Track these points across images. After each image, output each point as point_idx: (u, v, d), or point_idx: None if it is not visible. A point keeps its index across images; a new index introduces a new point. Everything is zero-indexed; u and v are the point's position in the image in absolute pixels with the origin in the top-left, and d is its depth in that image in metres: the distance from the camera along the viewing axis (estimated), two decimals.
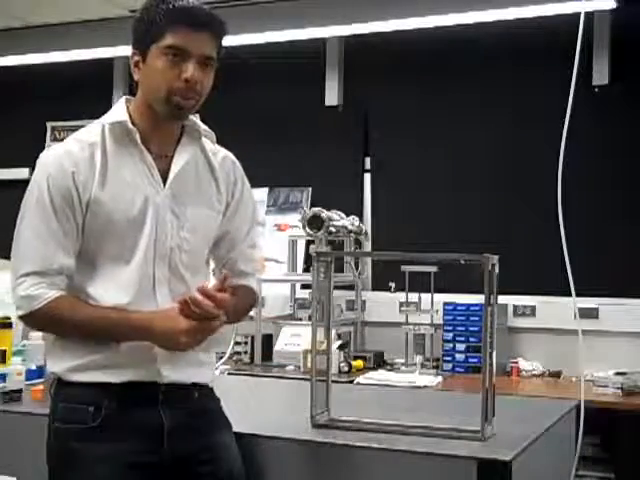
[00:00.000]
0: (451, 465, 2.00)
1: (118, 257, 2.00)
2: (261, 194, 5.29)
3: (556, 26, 4.26)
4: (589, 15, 4.06)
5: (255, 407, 2.69)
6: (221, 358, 3.89)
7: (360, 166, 5.17)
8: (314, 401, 2.23)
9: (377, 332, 4.95)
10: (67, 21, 5.30)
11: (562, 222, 2.87)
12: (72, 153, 1.99)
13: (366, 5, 4.65)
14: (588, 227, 4.38)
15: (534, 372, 4.50)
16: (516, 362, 4.54)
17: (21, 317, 2.00)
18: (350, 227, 4.77)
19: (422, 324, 4.55)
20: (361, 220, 4.91)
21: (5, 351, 2.82)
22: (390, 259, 4.54)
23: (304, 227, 4.63)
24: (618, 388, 3.95)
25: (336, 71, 5.20)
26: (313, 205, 5.00)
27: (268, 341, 4.75)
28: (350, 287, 4.92)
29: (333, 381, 2.32)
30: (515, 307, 4.67)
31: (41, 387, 2.60)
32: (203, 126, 2.14)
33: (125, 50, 5.22)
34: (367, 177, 5.16)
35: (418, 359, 4.46)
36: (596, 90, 4.58)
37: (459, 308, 4.55)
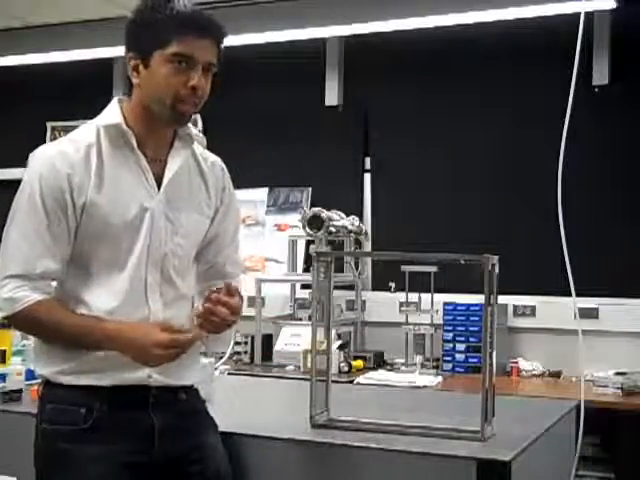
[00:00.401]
0: (451, 465, 2.00)
1: (111, 261, 1.99)
2: (261, 194, 5.29)
3: (556, 26, 4.26)
4: (589, 15, 4.06)
5: (255, 407, 2.69)
6: (221, 358, 3.89)
7: (360, 166, 5.17)
8: (313, 401, 2.23)
9: (377, 332, 4.94)
10: (67, 21, 5.29)
11: (562, 222, 2.87)
12: (67, 154, 1.97)
13: (366, 5, 4.65)
14: (588, 227, 4.38)
15: (534, 372, 4.50)
16: (516, 362, 4.54)
17: (4, 318, 2.01)
18: (350, 227, 4.77)
19: (422, 324, 4.55)
20: (361, 220, 4.91)
21: (5, 351, 2.82)
22: (390, 259, 4.54)
23: (304, 227, 4.63)
24: (618, 388, 3.95)
25: (336, 71, 5.20)
26: (313, 205, 5.00)
27: (268, 341, 4.75)
28: (350, 287, 4.92)
29: (333, 381, 2.32)
30: (515, 307, 4.67)
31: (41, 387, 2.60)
32: (194, 130, 2.14)
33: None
34: (367, 177, 5.16)
35: (418, 359, 4.46)
36: (596, 90, 4.58)
37: (459, 308, 4.55)
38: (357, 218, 4.83)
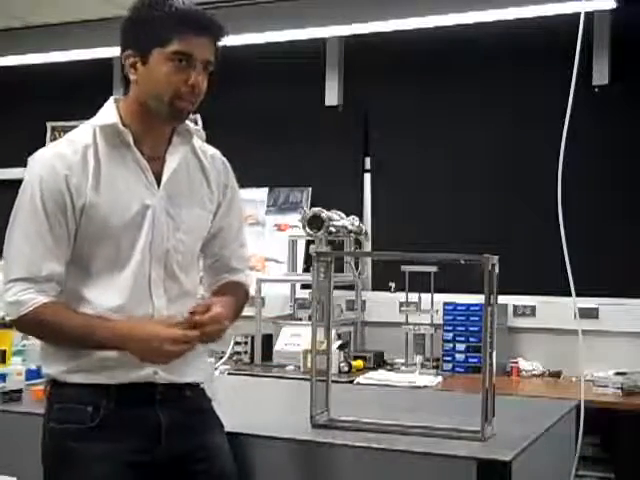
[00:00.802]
0: (451, 465, 2.00)
1: (113, 260, 1.99)
2: (261, 194, 5.29)
3: (556, 26, 4.26)
4: (589, 15, 4.06)
5: (255, 407, 2.69)
6: (221, 358, 3.89)
7: (360, 166, 5.17)
8: (314, 401, 2.23)
9: (377, 332, 4.94)
10: (67, 21, 5.29)
11: (562, 222, 2.87)
12: (65, 156, 1.97)
13: (366, 5, 4.65)
14: (588, 227, 4.38)
15: (534, 372, 4.50)
16: (516, 362, 4.54)
17: (10, 322, 2.01)
18: (350, 227, 4.77)
19: (422, 324, 4.55)
20: (361, 220, 4.91)
21: (5, 351, 2.82)
22: (390, 259, 4.54)
23: (304, 227, 4.63)
24: (618, 388, 3.95)
25: (336, 71, 5.20)
26: (313, 205, 5.00)
27: (268, 341, 4.75)
28: (350, 287, 4.92)
29: (333, 381, 2.32)
30: (515, 307, 4.67)
31: (41, 387, 2.59)
32: (193, 126, 2.14)
33: None
34: (367, 177, 5.16)
35: (418, 359, 4.46)
36: (596, 90, 4.58)
37: (459, 308, 4.55)
38: (357, 218, 4.83)
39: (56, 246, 1.96)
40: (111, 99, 2.10)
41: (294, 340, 4.64)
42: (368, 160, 5.16)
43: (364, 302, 4.97)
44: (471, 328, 4.51)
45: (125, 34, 2.04)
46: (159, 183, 2.04)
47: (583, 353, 3.07)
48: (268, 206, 5.29)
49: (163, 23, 1.97)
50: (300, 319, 4.84)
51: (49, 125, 5.84)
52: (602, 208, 4.55)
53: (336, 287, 3.99)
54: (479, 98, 4.85)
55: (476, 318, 4.45)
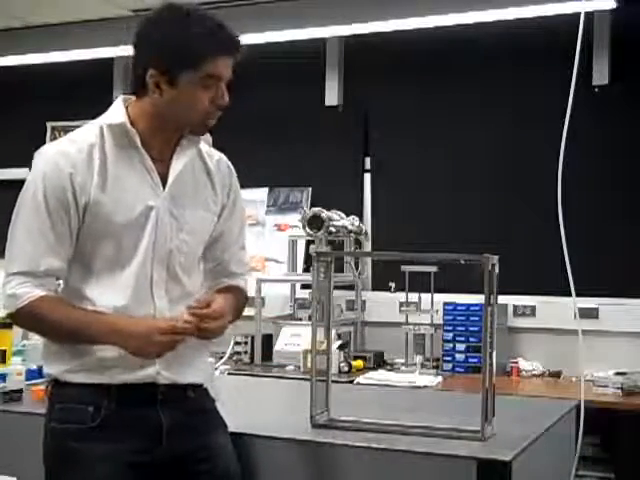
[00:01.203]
0: (451, 465, 2.00)
1: (115, 260, 2.00)
2: (261, 194, 5.29)
3: (556, 26, 4.26)
4: (589, 15, 4.06)
5: (255, 407, 2.69)
6: (221, 358, 3.89)
7: (360, 166, 5.17)
8: (314, 401, 2.23)
9: (377, 332, 4.94)
10: (67, 21, 5.30)
11: (562, 222, 2.87)
12: (69, 154, 1.97)
13: (366, 5, 4.65)
14: (588, 227, 4.38)
15: (534, 372, 4.50)
16: (516, 362, 4.54)
17: (8, 316, 2.01)
18: (350, 227, 4.77)
19: (422, 324, 4.55)
20: (361, 220, 4.91)
21: (5, 351, 2.82)
22: (390, 259, 4.54)
23: (304, 227, 4.63)
24: (618, 388, 3.95)
25: (336, 71, 5.20)
26: (313, 205, 5.00)
27: (268, 341, 4.75)
28: (350, 287, 4.92)
29: (333, 381, 2.32)
30: (515, 307, 4.67)
31: (41, 387, 2.59)
32: None
33: (125, 50, 5.26)
34: (367, 177, 5.16)
35: (418, 359, 4.46)
36: (596, 90, 4.58)
37: (459, 308, 4.55)
38: (357, 218, 4.83)
39: (57, 243, 1.96)
40: (120, 98, 2.08)
41: (294, 340, 4.64)
42: (368, 160, 5.16)
43: (364, 302, 4.97)
44: (471, 328, 4.51)
45: (147, 51, 1.98)
46: (164, 185, 2.04)
47: (583, 353, 3.07)
48: (268, 206, 5.29)
49: (194, 46, 1.94)
50: (300, 319, 4.84)
51: (49, 125, 5.85)
52: (602, 208, 4.55)
53: (336, 287, 3.99)
54: (479, 98, 4.85)
55: (476, 318, 4.45)
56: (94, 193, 1.96)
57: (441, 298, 4.57)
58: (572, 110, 2.84)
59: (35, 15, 5.27)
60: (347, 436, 2.15)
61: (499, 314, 2.41)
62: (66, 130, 5.66)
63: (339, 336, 4.56)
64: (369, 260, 5.06)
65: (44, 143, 5.85)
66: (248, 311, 4.73)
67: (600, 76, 4.57)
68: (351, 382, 4.10)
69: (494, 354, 2.16)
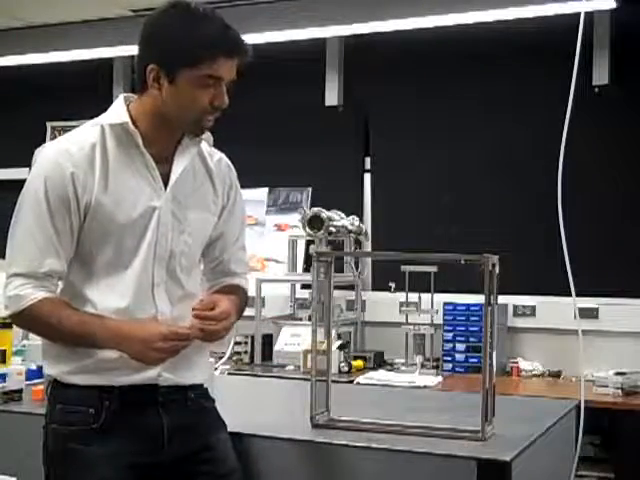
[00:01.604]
0: (451, 465, 2.00)
1: (116, 260, 1.99)
2: (261, 194, 5.29)
3: (556, 26, 4.26)
4: (589, 15, 4.06)
5: (255, 407, 2.69)
6: (221, 358, 3.89)
7: (360, 166, 5.17)
8: (314, 401, 2.23)
9: (377, 332, 4.94)
10: (67, 21, 5.30)
11: (562, 222, 2.86)
12: (71, 153, 1.96)
13: (366, 5, 4.65)
14: (588, 227, 4.38)
15: (534, 372, 4.50)
16: (516, 362, 4.54)
17: (10, 317, 2.00)
18: (350, 227, 4.77)
19: (422, 324, 4.55)
20: (361, 220, 4.91)
21: (5, 351, 2.82)
22: (390, 259, 4.54)
23: (304, 227, 4.63)
24: (618, 388, 3.95)
25: (336, 71, 5.20)
26: (313, 205, 5.00)
27: (268, 341, 4.75)
28: (350, 287, 4.92)
29: (333, 381, 2.32)
30: (515, 307, 4.67)
31: (41, 387, 2.59)
32: None
33: (125, 50, 5.26)
34: (367, 177, 5.16)
35: (418, 359, 4.46)
36: (596, 90, 4.58)
37: (459, 308, 4.55)
38: (357, 218, 4.83)
39: (59, 243, 1.95)
40: (121, 97, 2.07)
41: (294, 340, 4.64)
42: (368, 160, 5.16)
43: (364, 302, 4.97)
44: (471, 328, 4.51)
45: (149, 47, 1.99)
46: (165, 185, 2.03)
47: (583, 353, 3.06)
48: (268, 206, 5.29)
49: (194, 45, 1.94)
50: (300, 319, 4.84)
51: (49, 125, 5.85)
52: (602, 208, 4.55)
53: (336, 287, 3.99)
54: (479, 98, 4.85)
55: (476, 318, 4.45)
56: (96, 192, 1.95)
57: (441, 298, 4.57)
58: (572, 110, 2.84)
59: (35, 15, 5.27)
60: (347, 436, 2.15)
61: (499, 314, 2.41)
62: (66, 130, 5.65)
63: (339, 336, 4.56)
64: (369, 260, 5.06)
65: (44, 143, 5.86)
66: (248, 311, 4.71)
67: (600, 76, 4.57)
68: (351, 382, 4.10)
69: (494, 354, 2.16)
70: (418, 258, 3.81)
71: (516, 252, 4.23)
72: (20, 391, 2.58)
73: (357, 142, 5.16)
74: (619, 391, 3.94)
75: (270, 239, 5.23)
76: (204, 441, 2.07)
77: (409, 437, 2.13)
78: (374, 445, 2.08)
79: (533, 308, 4.66)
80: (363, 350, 4.82)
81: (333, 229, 4.64)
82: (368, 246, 4.95)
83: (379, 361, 4.66)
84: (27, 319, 1.97)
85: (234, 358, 4.59)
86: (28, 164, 5.47)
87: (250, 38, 5.12)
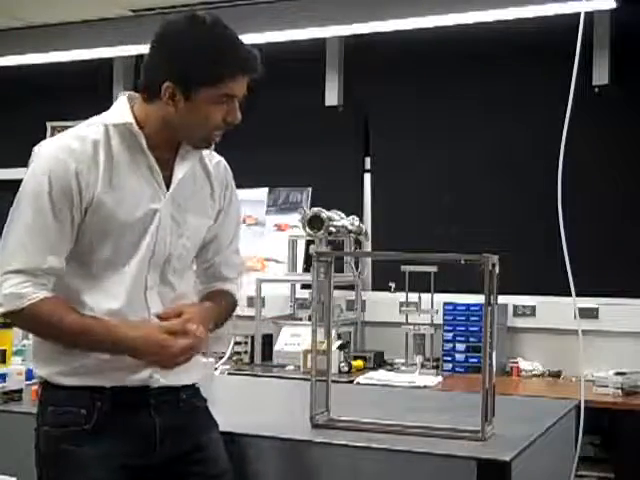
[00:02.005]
0: (451, 465, 2.00)
1: (112, 261, 1.98)
2: (261, 194, 5.29)
3: (556, 26, 4.26)
4: (589, 15, 4.06)
5: (255, 407, 2.69)
6: (221, 358, 3.89)
7: (360, 166, 5.17)
8: (314, 401, 2.23)
9: (377, 332, 4.95)
10: (67, 21, 5.30)
11: (562, 222, 2.86)
12: (74, 149, 1.93)
13: (366, 5, 4.65)
14: (588, 227, 4.38)
15: (534, 372, 4.50)
16: (516, 362, 4.54)
17: (7, 314, 1.95)
18: (350, 227, 4.77)
19: (422, 324, 4.55)
20: (361, 220, 4.91)
21: (5, 351, 2.81)
22: (390, 259, 4.54)
23: (304, 227, 4.63)
24: (618, 388, 3.95)
25: (336, 71, 5.20)
26: (313, 205, 5.00)
27: (268, 341, 4.75)
28: (350, 287, 4.92)
29: (333, 381, 2.32)
30: (515, 307, 4.67)
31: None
32: None
33: (125, 50, 5.27)
34: (367, 177, 5.16)
35: (418, 359, 4.46)
36: (596, 90, 4.58)
37: (459, 308, 4.55)
38: (357, 218, 4.83)
39: (58, 241, 1.93)
40: (124, 97, 2.04)
41: (294, 340, 4.64)
42: (368, 160, 5.16)
43: (364, 302, 4.98)
44: (471, 328, 4.51)
45: (166, 63, 1.94)
46: (167, 187, 2.02)
47: (583, 353, 3.06)
48: (268, 206, 5.29)
49: (215, 65, 1.92)
50: (300, 319, 4.84)
51: (49, 125, 5.85)
52: (602, 208, 4.55)
53: (336, 287, 3.99)
54: (479, 98, 4.85)
55: (476, 318, 4.45)
56: (99, 191, 1.93)
57: (441, 298, 4.58)
58: (572, 110, 2.84)
59: (35, 15, 5.27)
60: (347, 436, 2.15)
61: (499, 314, 2.41)
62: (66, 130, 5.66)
63: (339, 336, 4.56)
64: (369, 260, 5.06)
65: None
66: (248, 311, 4.77)
67: (600, 76, 4.57)
68: (351, 382, 4.10)
69: (494, 354, 2.16)
70: (418, 258, 3.81)
71: (516, 252, 4.23)
72: (20, 391, 2.58)
73: (357, 142, 5.16)
74: (619, 391, 3.95)
75: (270, 239, 5.24)
76: (196, 441, 2.07)
77: (409, 437, 2.13)
78: (374, 445, 2.08)
79: (533, 308, 4.66)
80: (363, 350, 4.82)
81: (333, 229, 4.64)
82: (368, 246, 4.95)
83: (379, 361, 4.67)
84: (26, 318, 1.94)
85: (234, 358, 4.59)
86: (28, 164, 5.51)
87: (250, 38, 5.13)
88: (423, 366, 4.44)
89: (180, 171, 2.04)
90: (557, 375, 4.47)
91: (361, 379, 4.20)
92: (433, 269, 4.49)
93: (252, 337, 4.70)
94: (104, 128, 1.98)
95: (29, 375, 2.71)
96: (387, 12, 4.63)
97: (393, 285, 4.57)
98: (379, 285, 4.91)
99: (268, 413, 2.58)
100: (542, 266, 4.44)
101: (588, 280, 3.41)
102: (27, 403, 2.54)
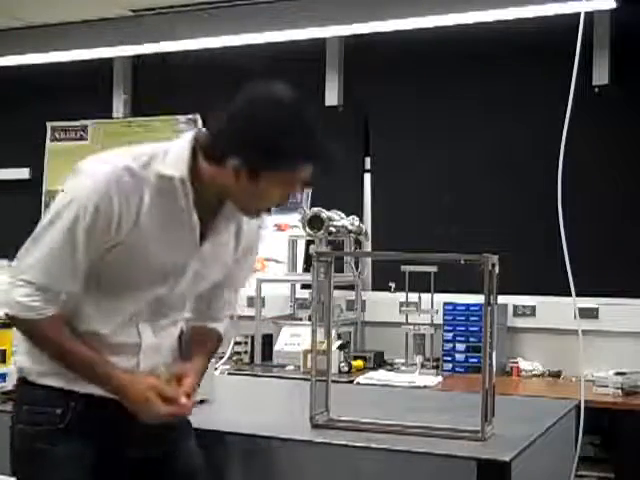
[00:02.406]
0: (451, 465, 2.00)
1: (117, 292, 1.97)
2: None
3: (556, 26, 4.26)
4: (589, 15, 4.06)
5: (255, 407, 2.69)
6: (221, 358, 3.89)
7: (360, 166, 5.17)
8: (314, 401, 2.23)
9: (377, 332, 4.94)
10: (67, 21, 5.30)
11: (562, 222, 2.87)
12: (124, 185, 1.87)
13: (366, 5, 4.65)
14: (588, 227, 4.38)
15: (534, 372, 4.50)
16: (516, 362, 4.54)
17: (10, 318, 1.95)
18: (350, 227, 4.77)
19: (422, 324, 4.55)
20: (361, 220, 4.91)
21: (5, 351, 2.81)
22: (390, 259, 4.54)
23: (304, 227, 4.63)
24: (618, 388, 3.95)
25: (336, 71, 5.20)
26: (313, 205, 5.00)
27: (268, 341, 4.75)
28: (350, 287, 4.92)
29: (333, 381, 2.32)
30: (515, 307, 4.67)
31: None
32: None
33: (125, 50, 5.27)
34: (367, 177, 5.16)
35: (418, 359, 4.46)
36: (596, 90, 4.58)
37: (459, 308, 4.55)
38: (357, 218, 4.83)
39: (80, 269, 1.90)
40: (189, 138, 1.94)
41: (294, 340, 4.64)
42: (368, 160, 5.16)
43: (364, 302, 4.97)
44: (471, 328, 4.51)
45: (239, 141, 1.87)
46: (201, 242, 1.99)
47: (583, 353, 3.07)
48: None
49: (287, 152, 1.87)
50: (300, 319, 4.84)
51: (49, 125, 5.84)
52: (602, 208, 4.55)
53: (336, 287, 3.99)
54: (479, 98, 4.85)
55: (476, 318, 4.45)
56: (130, 233, 1.89)
57: (441, 298, 4.57)
58: (572, 110, 2.84)
59: (35, 15, 5.27)
60: (347, 436, 2.15)
61: (499, 314, 2.42)
62: (66, 130, 5.65)
63: (339, 336, 4.56)
64: (369, 260, 5.06)
65: (44, 143, 5.82)
66: (248, 311, 4.77)
67: (600, 76, 4.57)
68: (351, 382, 4.10)
69: (494, 354, 2.16)
70: (418, 258, 3.81)
71: (516, 252, 4.23)
72: None
73: (357, 142, 5.16)
74: (619, 391, 3.95)
75: (270, 239, 5.22)
76: (170, 440, 2.07)
77: (409, 437, 2.13)
78: (374, 445, 2.08)
79: (533, 308, 4.66)
80: (363, 350, 4.82)
81: (333, 229, 4.64)
82: (368, 246, 4.95)
83: (379, 361, 4.67)
84: (28, 329, 1.94)
85: (234, 358, 4.59)
86: (28, 164, 5.51)
87: (250, 38, 5.14)
88: (423, 366, 4.44)
89: (219, 231, 2.02)
90: (557, 375, 4.47)
91: (361, 379, 4.20)
92: (433, 269, 4.49)
93: (252, 337, 4.70)
94: (156, 173, 1.92)
95: None
96: (387, 12, 4.63)
97: (393, 285, 4.57)
98: (379, 285, 4.91)
99: (268, 413, 2.58)
100: (542, 266, 4.44)
101: (588, 280, 3.42)
102: None
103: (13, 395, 2.49)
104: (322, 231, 4.58)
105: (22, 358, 2.04)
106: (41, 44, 5.38)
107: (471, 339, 4.50)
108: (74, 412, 1.96)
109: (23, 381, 2.03)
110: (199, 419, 2.14)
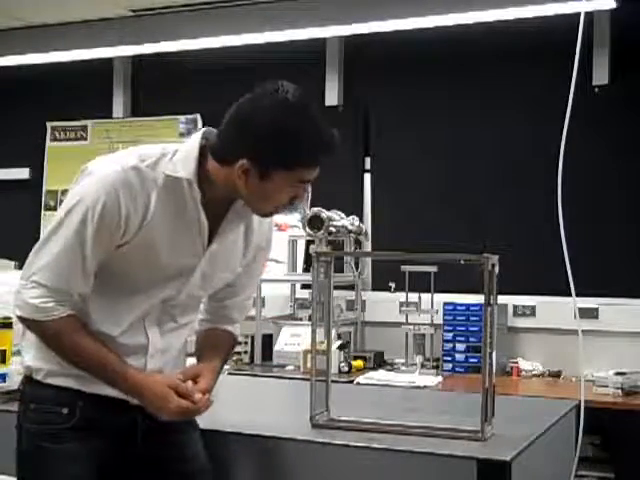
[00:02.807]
0: (451, 465, 2.00)
1: (126, 293, 1.97)
2: None
3: (556, 26, 4.26)
4: (589, 15, 4.06)
5: (255, 407, 2.68)
6: None
7: (360, 166, 5.17)
8: (314, 401, 2.23)
9: (377, 332, 4.95)
10: (67, 21, 5.30)
11: (562, 222, 2.86)
12: (132, 186, 1.87)
13: (366, 5, 4.66)
14: (588, 227, 4.38)
15: (534, 372, 4.50)
16: (516, 362, 4.54)
17: (21, 319, 1.95)
18: (350, 227, 4.77)
19: (422, 324, 4.55)
20: (361, 220, 4.91)
21: (5, 351, 2.81)
22: (390, 259, 4.53)
23: (304, 227, 4.63)
24: (618, 388, 3.95)
25: (336, 71, 5.20)
26: (313, 205, 5.00)
27: (268, 341, 4.75)
28: (350, 287, 4.92)
29: (333, 381, 2.31)
30: (515, 307, 4.68)
31: None
32: None
33: (125, 50, 5.27)
34: (367, 177, 5.16)
35: (418, 359, 4.46)
36: (596, 90, 4.58)
37: (459, 308, 4.55)
38: (357, 218, 4.83)
39: (90, 269, 1.91)
40: (198, 138, 1.95)
41: (294, 340, 4.64)
42: (368, 160, 5.16)
43: (364, 302, 4.98)
44: (471, 328, 4.51)
45: (246, 141, 1.87)
46: (209, 243, 1.99)
47: (583, 353, 3.06)
48: None
49: (298, 152, 1.88)
50: (300, 319, 4.84)
51: (49, 125, 5.84)
52: (602, 208, 4.55)
53: (336, 287, 3.99)
54: (479, 98, 4.85)
55: (476, 318, 4.45)
56: (138, 235, 1.89)
57: (441, 298, 4.58)
58: (572, 110, 2.83)
59: (35, 15, 5.28)
60: (347, 436, 2.14)
61: (499, 314, 2.41)
62: (66, 130, 5.65)
63: (339, 336, 4.56)
64: (369, 260, 5.06)
65: (44, 143, 5.81)
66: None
67: (600, 76, 4.57)
68: (351, 382, 4.10)
69: (494, 354, 2.16)
70: (418, 258, 3.81)
71: (516, 252, 4.24)
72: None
73: (357, 142, 5.16)
74: (619, 391, 3.94)
75: None
76: (176, 440, 2.07)
77: (409, 437, 2.13)
78: (374, 445, 2.08)
79: (533, 308, 4.67)
80: (363, 350, 4.82)
81: (333, 229, 4.64)
82: (368, 246, 4.94)
83: (379, 361, 4.67)
84: (40, 330, 1.94)
85: (234, 358, 4.59)
86: (28, 164, 5.50)
87: (250, 38, 5.14)
88: (423, 366, 4.44)
89: (228, 230, 2.01)
90: (557, 375, 4.47)
91: (361, 379, 4.20)
92: (433, 269, 4.49)
93: (252, 337, 4.70)
94: (164, 174, 1.91)
95: None
96: (387, 12, 4.63)
97: (393, 285, 4.57)
98: (379, 285, 4.91)
99: (268, 413, 2.58)
100: (542, 266, 4.44)
101: (588, 280, 3.42)
102: None
103: (18, 394, 2.51)
104: (322, 231, 4.58)
105: (29, 357, 2.04)
106: (41, 44, 5.39)
107: (471, 339, 4.50)
108: (81, 411, 1.96)
109: (30, 380, 2.03)
110: (199, 419, 2.14)
